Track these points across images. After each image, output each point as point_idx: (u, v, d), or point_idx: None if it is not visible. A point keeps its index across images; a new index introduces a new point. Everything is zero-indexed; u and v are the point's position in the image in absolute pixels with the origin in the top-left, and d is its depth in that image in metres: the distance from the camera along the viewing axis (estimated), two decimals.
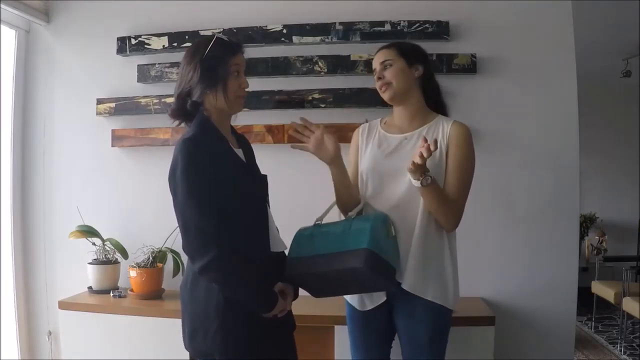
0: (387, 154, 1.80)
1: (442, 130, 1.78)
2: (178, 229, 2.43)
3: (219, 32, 2.52)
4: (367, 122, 1.96)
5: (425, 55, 1.87)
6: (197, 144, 1.51)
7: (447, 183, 1.74)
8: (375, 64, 1.83)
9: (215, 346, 1.53)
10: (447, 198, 1.71)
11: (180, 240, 2.45)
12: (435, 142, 1.59)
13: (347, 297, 1.84)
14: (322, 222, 1.76)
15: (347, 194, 1.80)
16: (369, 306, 1.78)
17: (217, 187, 1.49)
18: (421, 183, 1.63)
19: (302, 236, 1.72)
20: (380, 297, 1.76)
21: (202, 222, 1.46)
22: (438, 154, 1.72)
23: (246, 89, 1.64)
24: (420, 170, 1.61)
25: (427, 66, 1.85)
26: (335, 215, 1.84)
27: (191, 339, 1.59)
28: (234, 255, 1.49)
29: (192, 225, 1.47)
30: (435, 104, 1.88)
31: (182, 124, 1.67)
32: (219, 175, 1.51)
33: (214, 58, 1.56)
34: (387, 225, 1.68)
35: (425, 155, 1.56)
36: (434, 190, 1.66)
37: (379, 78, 1.80)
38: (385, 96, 1.81)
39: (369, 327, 1.83)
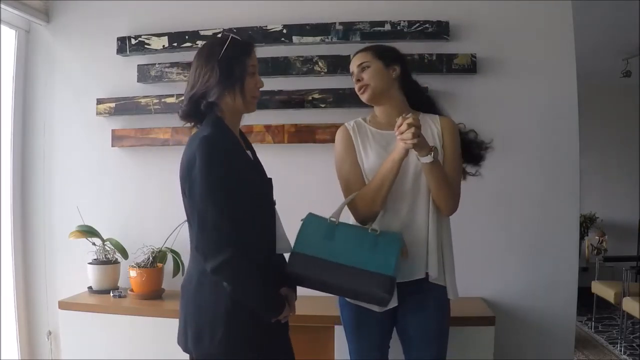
0: (390, 151, 1.77)
1: (433, 124, 1.84)
2: (178, 229, 2.47)
3: (227, 32, 2.53)
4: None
5: (402, 56, 1.91)
6: (216, 142, 1.50)
7: (446, 169, 1.77)
8: (353, 67, 1.86)
9: (222, 350, 1.52)
10: (448, 178, 1.75)
11: (181, 240, 2.49)
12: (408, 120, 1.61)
13: (363, 303, 1.78)
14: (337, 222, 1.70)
15: (388, 193, 1.73)
16: (391, 306, 1.75)
17: (233, 187, 1.49)
18: (433, 157, 1.65)
19: (314, 231, 1.66)
20: (394, 300, 1.75)
21: (220, 221, 1.45)
22: (439, 144, 1.79)
23: (260, 88, 1.65)
24: (425, 145, 1.64)
25: (404, 66, 1.89)
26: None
27: (196, 342, 1.56)
28: (248, 257, 1.48)
29: (209, 223, 1.46)
30: (419, 102, 1.92)
31: (188, 124, 1.67)
32: (235, 175, 1.51)
33: (231, 58, 1.56)
34: (402, 246, 1.68)
35: (414, 131, 1.58)
36: (440, 167, 1.71)
37: (358, 80, 1.83)
38: (363, 97, 1.84)
39: (374, 328, 1.83)
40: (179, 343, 1.64)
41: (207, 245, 1.47)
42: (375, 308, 1.75)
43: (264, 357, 1.57)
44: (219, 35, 1.67)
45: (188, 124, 1.68)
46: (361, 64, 1.83)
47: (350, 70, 1.88)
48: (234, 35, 1.61)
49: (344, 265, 1.61)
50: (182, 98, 2.66)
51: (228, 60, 1.55)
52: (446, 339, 1.83)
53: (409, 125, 1.59)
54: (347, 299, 1.82)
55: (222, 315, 1.51)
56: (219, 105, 1.57)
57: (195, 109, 1.59)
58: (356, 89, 1.86)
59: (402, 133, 1.61)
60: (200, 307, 1.55)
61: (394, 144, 1.74)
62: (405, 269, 1.73)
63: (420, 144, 1.63)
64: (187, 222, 1.61)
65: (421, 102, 1.93)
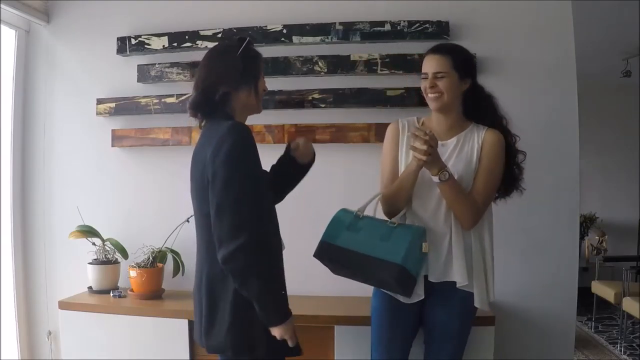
0: None
1: (477, 136, 1.84)
2: (178, 229, 2.47)
3: (228, 32, 2.57)
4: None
5: (475, 67, 1.91)
6: (245, 129, 1.54)
7: (474, 184, 1.81)
8: (428, 69, 1.82)
9: (228, 343, 1.53)
10: (466, 196, 1.77)
11: (181, 240, 2.49)
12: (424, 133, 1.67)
13: (391, 293, 1.84)
14: (363, 214, 1.81)
15: (408, 196, 1.81)
16: (415, 299, 1.81)
17: (258, 176, 1.52)
18: (439, 178, 1.70)
19: (341, 223, 1.81)
20: (420, 293, 1.80)
21: (239, 206, 1.46)
22: (475, 159, 1.81)
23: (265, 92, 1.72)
24: (436, 165, 1.69)
25: (475, 78, 1.88)
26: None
27: (206, 335, 1.59)
28: (263, 246, 1.49)
29: (227, 206, 1.46)
30: (475, 111, 1.89)
31: (189, 124, 1.70)
32: (258, 166, 1.54)
33: (250, 57, 1.63)
34: (423, 240, 1.74)
35: (427, 149, 1.64)
36: (452, 186, 1.73)
37: (432, 86, 1.80)
38: (434, 104, 1.83)
39: (400, 318, 1.86)
40: (195, 339, 1.67)
41: (223, 230, 1.46)
42: (401, 298, 1.81)
43: (270, 352, 1.57)
44: (236, 38, 1.69)
45: (190, 123, 1.69)
46: (438, 72, 1.79)
47: (423, 70, 1.84)
48: (249, 39, 1.67)
49: (358, 252, 1.74)
50: (182, 98, 2.68)
51: (247, 58, 1.62)
52: (465, 339, 1.88)
53: (424, 142, 1.65)
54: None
55: (230, 308, 1.52)
56: (231, 99, 1.60)
57: (207, 99, 1.60)
58: (426, 91, 1.82)
59: (415, 149, 1.67)
60: (211, 300, 1.57)
61: None
62: (430, 268, 1.80)
63: (432, 163, 1.68)
64: (195, 223, 1.63)
65: (478, 111, 1.89)
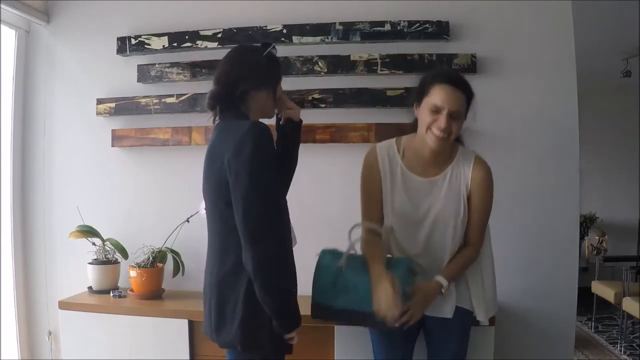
0: (415, 201, 1.79)
1: (464, 171, 1.78)
2: (178, 229, 2.47)
3: (228, 32, 2.57)
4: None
5: None
6: (267, 130, 1.53)
7: (469, 225, 1.81)
8: (445, 104, 1.65)
9: (238, 340, 1.55)
10: (466, 259, 1.82)
11: (181, 240, 2.49)
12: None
13: None
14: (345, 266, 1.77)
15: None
16: None
17: (277, 175, 1.53)
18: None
19: (325, 276, 1.75)
20: None
21: (264, 207, 1.47)
22: (464, 197, 1.78)
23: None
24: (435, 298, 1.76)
25: None
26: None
27: (217, 329, 1.60)
28: (284, 253, 1.53)
29: (254, 208, 1.46)
30: None
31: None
32: (275, 165, 1.54)
33: (273, 61, 1.66)
34: (411, 271, 1.73)
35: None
36: (454, 279, 1.79)
37: (446, 127, 1.65)
38: (437, 144, 1.69)
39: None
40: (205, 333, 1.68)
41: (249, 232, 1.46)
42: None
43: (278, 349, 1.60)
44: (261, 42, 1.72)
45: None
46: (456, 112, 1.66)
47: (437, 102, 1.66)
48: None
49: (353, 310, 1.72)
50: (182, 98, 2.68)
51: (271, 61, 1.65)
52: (467, 338, 1.88)
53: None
54: None
55: (241, 303, 1.53)
56: (249, 98, 1.60)
57: (228, 93, 1.60)
58: (431, 126, 1.68)
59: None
60: (221, 298, 1.58)
61: (413, 189, 1.78)
62: None
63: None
64: (207, 220, 1.64)
65: None
